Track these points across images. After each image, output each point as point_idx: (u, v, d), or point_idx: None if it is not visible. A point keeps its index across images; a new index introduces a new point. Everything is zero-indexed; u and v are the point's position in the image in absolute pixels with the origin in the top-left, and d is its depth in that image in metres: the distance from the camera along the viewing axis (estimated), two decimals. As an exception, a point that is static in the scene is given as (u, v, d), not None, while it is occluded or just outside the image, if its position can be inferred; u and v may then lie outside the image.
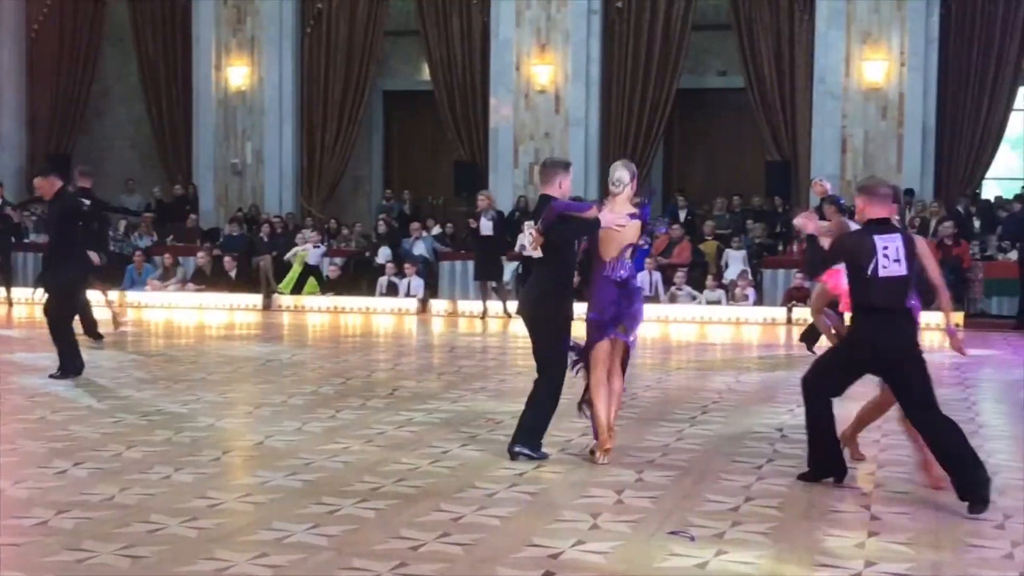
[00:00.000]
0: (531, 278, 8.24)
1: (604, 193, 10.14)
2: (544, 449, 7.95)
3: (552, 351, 7.87)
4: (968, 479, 6.60)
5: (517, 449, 7.91)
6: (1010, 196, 22.58)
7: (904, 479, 7.48)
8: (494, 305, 18.68)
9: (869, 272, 6.75)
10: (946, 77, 21.40)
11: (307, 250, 21.18)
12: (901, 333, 6.86)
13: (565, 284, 7.95)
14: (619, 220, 7.63)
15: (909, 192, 20.83)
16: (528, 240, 8.06)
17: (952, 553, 5.89)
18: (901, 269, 6.79)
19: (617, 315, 7.82)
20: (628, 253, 7.81)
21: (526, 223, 8.68)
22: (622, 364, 8.05)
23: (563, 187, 7.97)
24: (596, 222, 7.69)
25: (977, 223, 20.34)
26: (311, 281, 20.90)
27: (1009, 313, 18.38)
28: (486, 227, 18.23)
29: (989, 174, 23.10)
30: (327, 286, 20.65)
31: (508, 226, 19.08)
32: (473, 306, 19.19)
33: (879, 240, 6.80)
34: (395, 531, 6.15)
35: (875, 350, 6.84)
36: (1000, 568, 5.66)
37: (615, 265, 7.81)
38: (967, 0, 21.35)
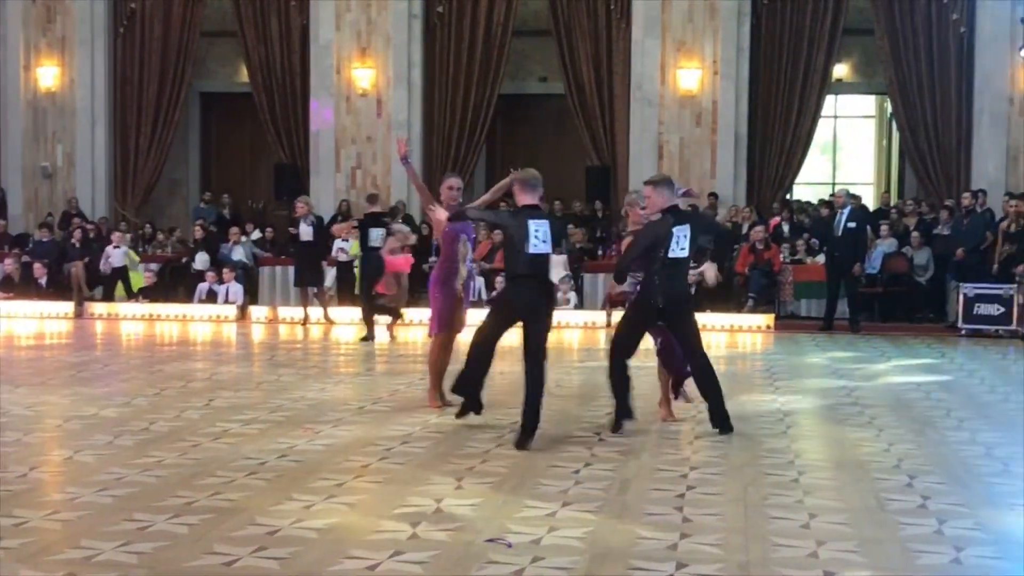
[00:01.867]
0: None
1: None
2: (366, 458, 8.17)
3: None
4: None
5: None
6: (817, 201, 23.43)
7: (715, 480, 7.67)
8: (315, 311, 18.50)
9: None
10: (757, 85, 22.04)
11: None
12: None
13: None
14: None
15: (713, 195, 21.39)
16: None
17: (759, 553, 6.05)
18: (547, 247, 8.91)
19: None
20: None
21: None
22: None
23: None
24: None
25: (787, 227, 20.95)
26: (119, 286, 20.39)
27: (817, 315, 18.94)
28: (306, 232, 18.07)
29: (799, 179, 23.90)
30: (142, 291, 20.15)
31: (329, 231, 18.91)
32: (294, 312, 18.98)
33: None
34: (208, 546, 6.04)
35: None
36: (805, 567, 5.83)
37: None
38: (776, 11, 22.02)
